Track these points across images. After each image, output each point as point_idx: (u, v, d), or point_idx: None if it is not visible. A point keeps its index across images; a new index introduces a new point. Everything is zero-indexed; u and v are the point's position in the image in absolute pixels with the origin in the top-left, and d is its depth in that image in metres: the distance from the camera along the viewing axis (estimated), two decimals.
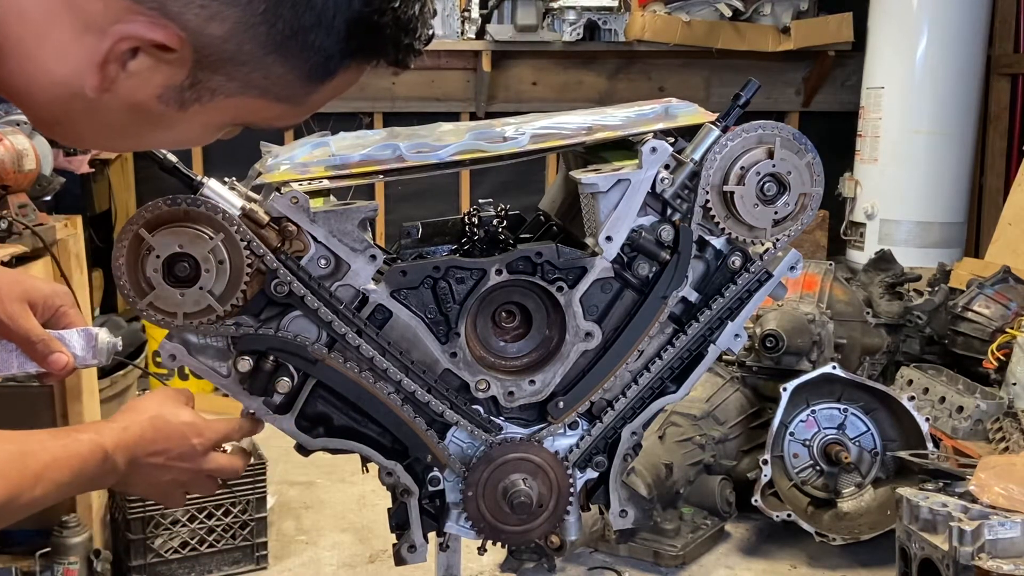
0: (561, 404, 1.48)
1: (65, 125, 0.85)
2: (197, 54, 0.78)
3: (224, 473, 1.33)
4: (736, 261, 1.50)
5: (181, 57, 0.77)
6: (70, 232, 2.61)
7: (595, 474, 1.55)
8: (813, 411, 3.10)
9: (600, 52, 5.21)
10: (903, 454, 2.89)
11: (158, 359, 4.14)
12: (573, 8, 4.88)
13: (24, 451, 1.02)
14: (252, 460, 2.96)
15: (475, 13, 4.97)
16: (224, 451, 1.36)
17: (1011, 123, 5.23)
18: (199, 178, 1.30)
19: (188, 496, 1.35)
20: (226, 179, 1.37)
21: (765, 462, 2.96)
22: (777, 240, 1.48)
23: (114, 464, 1.15)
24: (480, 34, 5.02)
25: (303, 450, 1.46)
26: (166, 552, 2.78)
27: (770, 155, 1.42)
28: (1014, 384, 3.16)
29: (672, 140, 1.46)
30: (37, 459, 1.03)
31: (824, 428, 3.10)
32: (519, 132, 1.43)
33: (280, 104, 0.85)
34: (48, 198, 2.78)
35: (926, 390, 3.29)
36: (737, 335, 1.51)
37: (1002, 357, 3.25)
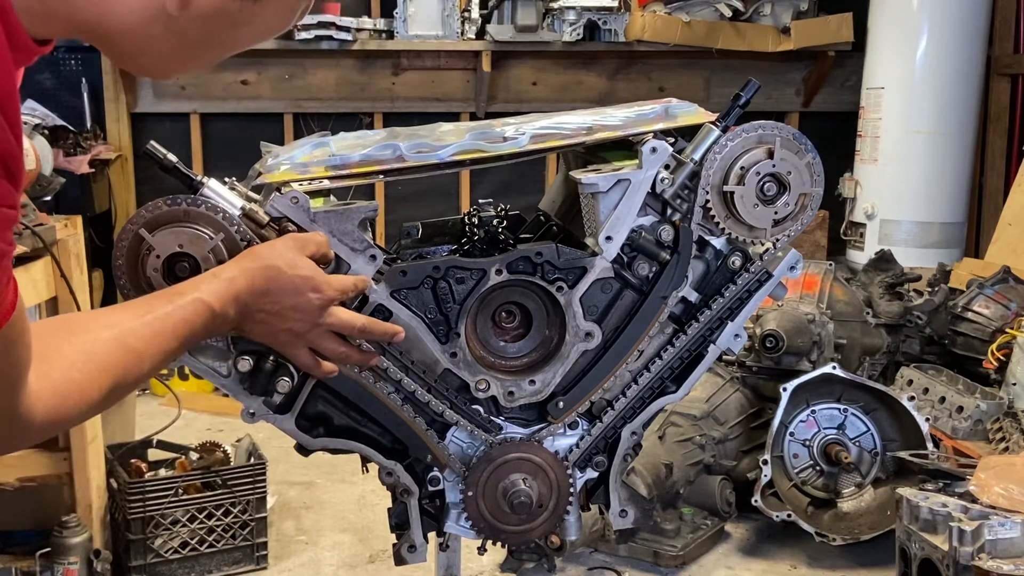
0: (561, 404, 1.48)
1: (148, 55, 0.87)
2: None
3: (346, 329, 1.26)
4: (736, 261, 1.50)
5: None
6: (70, 232, 2.61)
7: (595, 474, 1.55)
8: (813, 411, 3.10)
9: (600, 52, 5.21)
10: (903, 454, 2.89)
11: None
12: (573, 8, 4.88)
13: (123, 333, 1.02)
14: (252, 460, 2.97)
15: (475, 13, 4.97)
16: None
17: (1011, 123, 5.22)
18: (199, 178, 1.30)
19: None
20: (226, 179, 1.37)
21: (765, 462, 2.96)
22: (777, 240, 1.48)
23: (224, 317, 1.14)
24: (480, 34, 5.02)
25: (303, 450, 1.47)
26: (166, 552, 2.78)
27: (770, 155, 1.42)
28: (1014, 384, 3.16)
29: (672, 140, 1.46)
30: (138, 336, 1.03)
31: (824, 428, 3.10)
32: (519, 132, 1.43)
33: None
34: (48, 198, 2.78)
35: (926, 390, 3.29)
36: (737, 335, 1.51)
37: (1002, 357, 3.25)
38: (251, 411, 1.40)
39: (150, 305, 1.08)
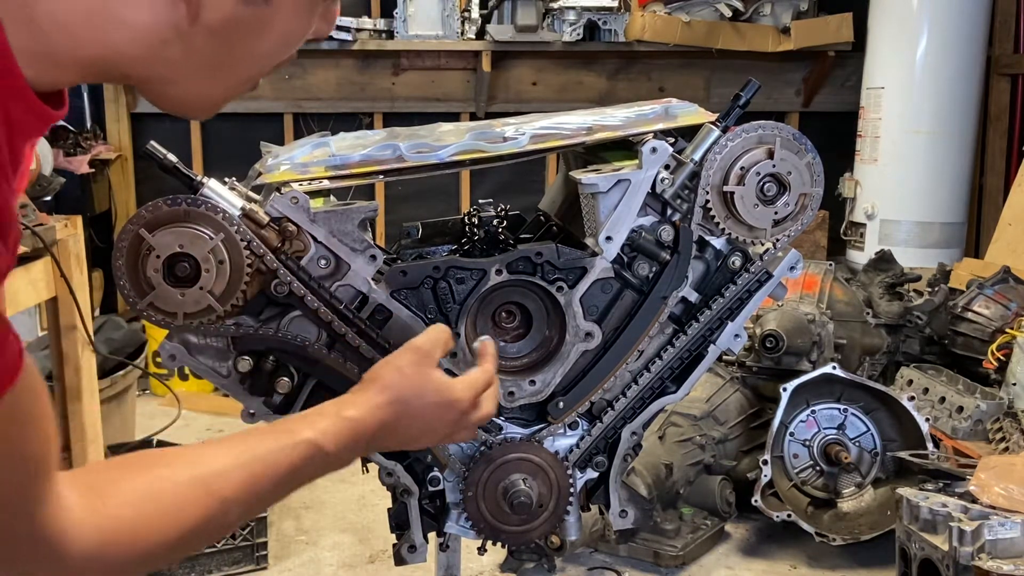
0: (561, 404, 1.48)
1: (175, 83, 0.81)
2: None
3: (483, 422, 1.22)
4: (736, 261, 1.50)
5: None
6: (70, 232, 2.61)
7: (595, 474, 1.55)
8: (813, 411, 3.10)
9: (600, 52, 5.21)
10: (903, 454, 2.89)
11: (158, 359, 4.14)
12: (573, 8, 4.88)
13: (209, 475, 0.89)
14: None
15: (475, 13, 4.97)
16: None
17: (1011, 123, 5.22)
18: (199, 178, 1.30)
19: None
20: (226, 179, 1.37)
21: (765, 462, 2.96)
22: (777, 240, 1.48)
23: (338, 458, 1.03)
24: (480, 34, 5.02)
25: None
26: None
27: (770, 155, 1.42)
28: (1014, 384, 3.16)
29: (672, 140, 1.46)
30: (229, 480, 0.90)
31: (824, 428, 3.10)
32: (519, 132, 1.43)
33: None
34: (48, 198, 2.78)
35: (926, 390, 3.29)
36: (737, 335, 1.51)
37: (1002, 357, 3.25)
38: (251, 411, 1.40)
39: (249, 444, 0.95)
